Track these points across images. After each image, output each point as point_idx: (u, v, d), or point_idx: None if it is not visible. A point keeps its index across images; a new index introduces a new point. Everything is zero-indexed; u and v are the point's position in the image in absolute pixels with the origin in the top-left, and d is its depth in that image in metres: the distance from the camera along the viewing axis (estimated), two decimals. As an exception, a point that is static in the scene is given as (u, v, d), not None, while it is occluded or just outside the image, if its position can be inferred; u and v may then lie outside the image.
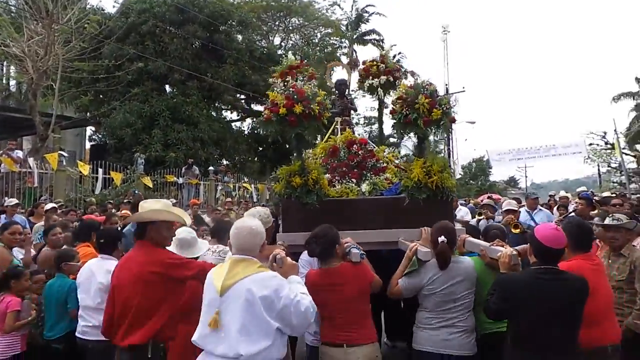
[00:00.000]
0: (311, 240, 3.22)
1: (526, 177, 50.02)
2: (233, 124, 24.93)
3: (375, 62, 5.16)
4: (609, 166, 35.92)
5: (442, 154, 33.40)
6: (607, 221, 3.95)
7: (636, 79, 30.62)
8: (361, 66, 5.39)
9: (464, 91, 30.95)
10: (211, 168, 16.88)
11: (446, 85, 31.22)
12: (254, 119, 24.60)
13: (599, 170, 36.87)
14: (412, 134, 4.33)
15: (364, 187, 4.43)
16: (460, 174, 38.17)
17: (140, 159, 14.26)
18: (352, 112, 5.89)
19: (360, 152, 4.69)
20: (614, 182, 35.61)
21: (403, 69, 5.36)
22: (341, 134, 5.20)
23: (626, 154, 30.71)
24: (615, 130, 27.88)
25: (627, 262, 3.75)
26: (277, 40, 27.22)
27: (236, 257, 2.51)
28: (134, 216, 3.31)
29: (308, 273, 3.26)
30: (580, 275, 2.79)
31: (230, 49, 19.46)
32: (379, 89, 5.17)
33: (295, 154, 4.25)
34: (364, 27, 32.09)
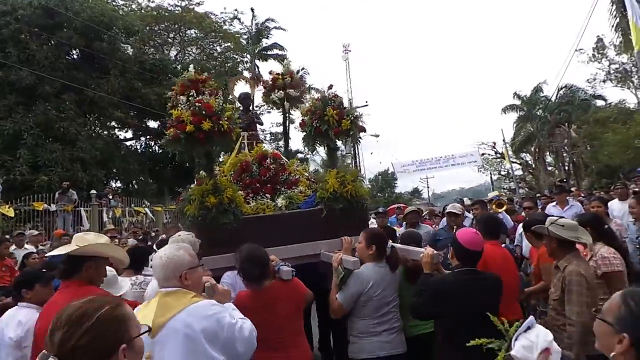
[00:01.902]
0: (245, 263, 3.01)
1: (428, 187, 52.71)
2: (128, 142, 22.56)
3: (280, 75, 5.12)
4: (499, 174, 38.95)
5: (350, 167, 33.54)
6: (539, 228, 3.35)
7: (514, 94, 33.41)
8: (267, 78, 5.35)
9: (367, 105, 31.27)
10: (94, 192, 14.65)
11: (350, 100, 31.53)
12: (148, 137, 22.61)
13: (491, 178, 39.81)
14: (321, 146, 4.39)
15: (280, 201, 4.29)
16: (368, 187, 38.86)
17: (-5, 185, 11.81)
18: (258, 126, 5.71)
19: (272, 167, 4.55)
20: (504, 189, 38.56)
21: (307, 85, 5.25)
22: (248, 149, 5.06)
23: (513, 162, 33.38)
24: (504, 140, 29.93)
25: (560, 278, 3.08)
26: (173, 53, 25.44)
27: (163, 290, 2.22)
28: (88, 247, 2.67)
29: (238, 295, 3.09)
30: (493, 274, 3.01)
31: (115, 59, 17.42)
32: (286, 102, 5.17)
33: (204, 173, 4.01)
34: (265, 42, 31.54)
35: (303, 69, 32.56)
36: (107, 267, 3.04)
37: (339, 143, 4.46)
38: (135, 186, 20.68)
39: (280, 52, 31.86)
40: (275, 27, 31.26)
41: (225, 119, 3.59)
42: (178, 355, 2.03)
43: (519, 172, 36.22)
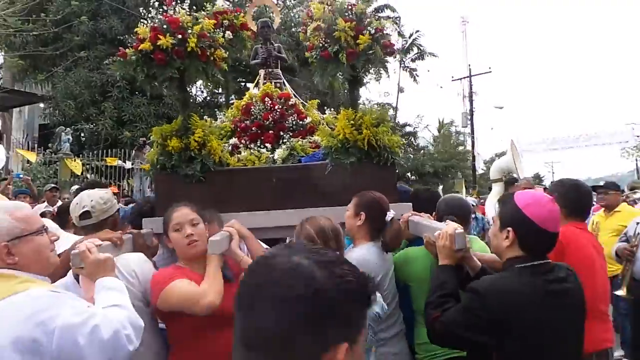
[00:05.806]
0: None
1: (553, 173, 46.50)
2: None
3: (324, 3, 3.81)
4: (649, 161, 32.39)
5: (464, 146, 30.19)
6: None
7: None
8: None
9: (490, 72, 26.90)
10: (174, 151, 13.45)
11: (469, 66, 27.67)
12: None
13: (637, 165, 33.49)
14: (336, 77, 3.13)
15: (278, 152, 3.32)
16: (482, 169, 35.01)
17: (65, 135, 10.98)
18: (279, 61, 4.62)
19: (277, 108, 3.57)
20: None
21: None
22: (265, 89, 4.28)
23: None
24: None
25: None
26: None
27: None
28: None
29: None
30: (565, 265, 1.85)
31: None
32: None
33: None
34: (375, 3, 28.88)
35: (417, 31, 29.57)
36: None
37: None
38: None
39: (392, 14, 29.22)
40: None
41: (195, 35, 2.67)
42: None
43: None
